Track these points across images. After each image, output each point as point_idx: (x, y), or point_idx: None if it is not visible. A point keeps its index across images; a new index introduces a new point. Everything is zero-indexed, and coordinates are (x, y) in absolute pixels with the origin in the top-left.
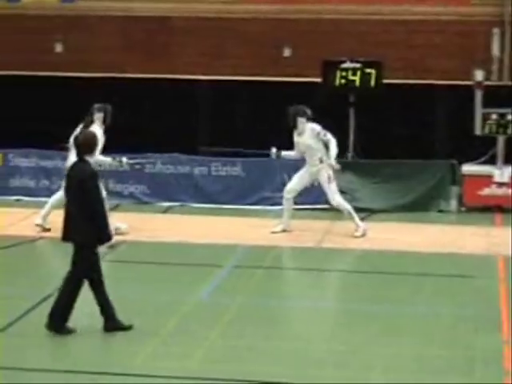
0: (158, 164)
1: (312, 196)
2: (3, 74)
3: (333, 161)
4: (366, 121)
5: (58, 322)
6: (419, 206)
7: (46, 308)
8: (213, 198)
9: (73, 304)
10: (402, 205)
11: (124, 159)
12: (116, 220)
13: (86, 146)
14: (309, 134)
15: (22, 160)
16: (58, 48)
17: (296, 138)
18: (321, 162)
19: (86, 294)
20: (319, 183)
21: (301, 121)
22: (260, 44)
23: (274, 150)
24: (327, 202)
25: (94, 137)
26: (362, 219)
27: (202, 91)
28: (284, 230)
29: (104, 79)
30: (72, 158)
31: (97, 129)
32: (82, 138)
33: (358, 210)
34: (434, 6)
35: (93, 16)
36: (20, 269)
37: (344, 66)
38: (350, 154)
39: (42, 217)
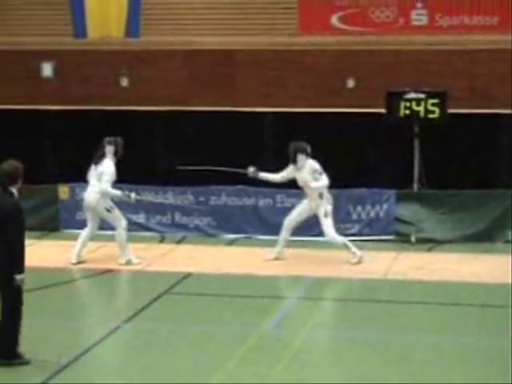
0: (223, 196)
1: (378, 227)
2: (71, 108)
3: (317, 185)
4: (430, 151)
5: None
6: (485, 236)
7: (113, 341)
8: (278, 230)
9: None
10: (467, 235)
11: (132, 194)
12: (131, 252)
13: (10, 177)
14: (307, 171)
15: None
16: (124, 82)
17: (295, 173)
18: (320, 197)
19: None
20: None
21: (301, 158)
22: (323, 76)
23: (251, 168)
24: (394, 233)
25: (16, 168)
26: (429, 250)
27: (267, 123)
28: (277, 258)
29: (168, 112)
30: (89, 189)
31: (108, 162)
32: (5, 170)
33: (423, 240)
34: (496, 35)
35: (157, 50)
36: (86, 302)
37: (408, 96)
38: (415, 185)
39: (76, 255)
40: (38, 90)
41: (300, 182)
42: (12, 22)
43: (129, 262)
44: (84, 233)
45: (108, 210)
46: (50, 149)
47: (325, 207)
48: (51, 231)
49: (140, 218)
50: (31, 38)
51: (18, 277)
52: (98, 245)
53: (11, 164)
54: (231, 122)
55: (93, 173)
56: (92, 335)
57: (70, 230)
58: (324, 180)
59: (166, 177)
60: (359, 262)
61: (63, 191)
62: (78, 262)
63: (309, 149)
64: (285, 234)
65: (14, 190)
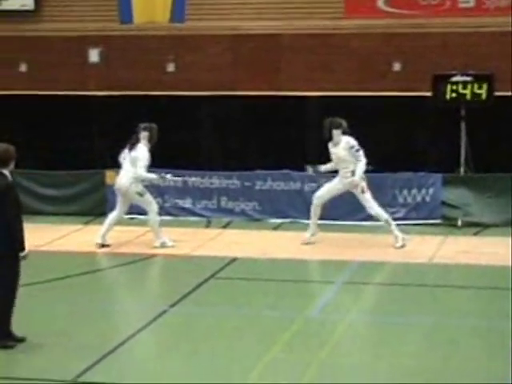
0: (269, 181)
1: (424, 211)
2: (117, 93)
3: (357, 177)
4: (477, 134)
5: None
6: None
7: (159, 325)
8: (323, 214)
9: (11, 314)
10: None
11: (168, 176)
12: (164, 234)
13: (1, 160)
14: (343, 146)
15: None
16: (170, 67)
17: (331, 149)
18: (353, 174)
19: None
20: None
21: (336, 133)
22: (369, 59)
23: (309, 168)
24: (441, 217)
25: (6, 150)
26: (475, 234)
27: (311, 107)
28: (312, 236)
29: (214, 97)
30: (122, 173)
31: (143, 148)
32: None
33: (470, 224)
34: None
35: (203, 35)
36: (133, 286)
37: (454, 79)
38: (461, 169)
39: (101, 236)
40: (85, 76)
41: (334, 158)
42: (58, 9)
43: (164, 245)
44: (111, 216)
45: (140, 195)
46: (98, 134)
47: (360, 184)
48: (98, 216)
49: (186, 203)
50: (78, 24)
51: (21, 254)
52: (145, 229)
53: (1, 147)
54: (277, 107)
55: (126, 157)
56: (138, 319)
57: None
58: (362, 160)
59: (212, 161)
60: (403, 246)
61: (110, 176)
62: (103, 245)
63: (344, 124)
64: (314, 210)
65: (7, 172)
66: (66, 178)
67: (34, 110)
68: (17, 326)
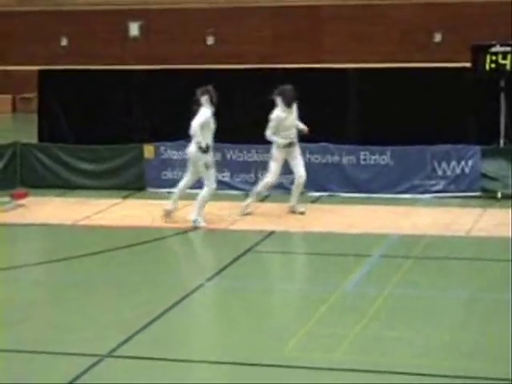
0: (307, 154)
1: (463, 184)
2: (158, 67)
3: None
4: None
5: None
6: None
7: (195, 300)
8: (361, 187)
9: None
10: None
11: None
12: (202, 214)
13: None
14: (296, 112)
15: (174, 153)
16: (210, 40)
17: (285, 115)
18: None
19: None
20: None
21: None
22: (410, 30)
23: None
24: (480, 189)
25: None
26: None
27: (351, 79)
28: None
29: (253, 70)
30: (192, 146)
31: (204, 110)
32: None
33: (509, 196)
34: None
35: (242, 8)
36: (170, 260)
37: (494, 49)
38: (501, 140)
39: (173, 201)
40: (125, 50)
41: (288, 124)
42: None
43: (196, 223)
44: (180, 184)
45: (206, 167)
46: (138, 108)
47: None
48: (137, 190)
49: (225, 177)
50: None
51: None
52: (183, 203)
53: None
54: (316, 79)
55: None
56: (175, 293)
57: (155, 189)
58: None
59: (250, 135)
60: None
61: (148, 150)
62: (169, 213)
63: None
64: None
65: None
66: (104, 152)
67: (74, 85)
68: (56, 298)
